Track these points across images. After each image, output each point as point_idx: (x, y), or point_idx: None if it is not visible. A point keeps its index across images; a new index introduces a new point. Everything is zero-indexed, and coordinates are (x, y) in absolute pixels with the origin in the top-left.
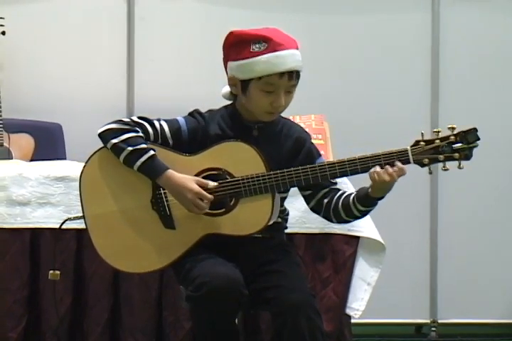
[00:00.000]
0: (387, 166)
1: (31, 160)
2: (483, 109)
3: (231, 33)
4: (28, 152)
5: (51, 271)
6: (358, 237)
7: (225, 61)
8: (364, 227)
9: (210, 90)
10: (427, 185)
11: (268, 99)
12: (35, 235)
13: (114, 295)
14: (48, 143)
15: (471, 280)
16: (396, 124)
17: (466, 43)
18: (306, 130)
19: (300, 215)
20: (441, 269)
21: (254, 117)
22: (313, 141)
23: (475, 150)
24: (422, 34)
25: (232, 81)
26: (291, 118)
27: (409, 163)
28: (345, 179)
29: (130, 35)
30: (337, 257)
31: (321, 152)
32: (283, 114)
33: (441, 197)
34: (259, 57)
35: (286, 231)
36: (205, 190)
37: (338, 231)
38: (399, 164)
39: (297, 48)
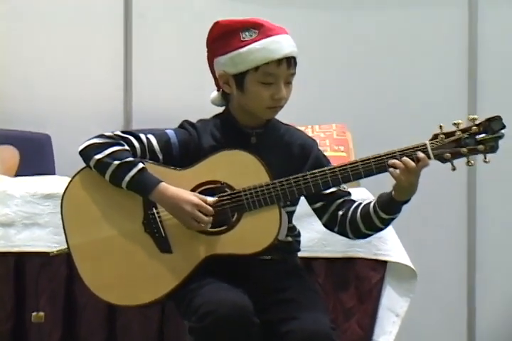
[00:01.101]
0: (405, 159)
1: (16, 175)
2: None
3: (216, 24)
4: (12, 166)
5: (34, 313)
6: (385, 262)
7: (211, 58)
8: (392, 251)
9: (205, 96)
10: (463, 201)
11: (268, 92)
12: (21, 260)
13: (110, 328)
14: (35, 156)
15: None
16: (428, 134)
17: (508, 41)
18: (326, 141)
19: (319, 237)
20: (480, 299)
21: (252, 121)
22: (334, 153)
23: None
24: (457, 31)
25: (223, 78)
26: (309, 127)
27: (429, 158)
28: (364, 188)
29: (127, 35)
30: (362, 285)
31: None
32: (299, 123)
33: (479, 215)
34: (252, 45)
35: (304, 255)
36: None
37: (363, 256)
38: (419, 154)
39: (287, 34)
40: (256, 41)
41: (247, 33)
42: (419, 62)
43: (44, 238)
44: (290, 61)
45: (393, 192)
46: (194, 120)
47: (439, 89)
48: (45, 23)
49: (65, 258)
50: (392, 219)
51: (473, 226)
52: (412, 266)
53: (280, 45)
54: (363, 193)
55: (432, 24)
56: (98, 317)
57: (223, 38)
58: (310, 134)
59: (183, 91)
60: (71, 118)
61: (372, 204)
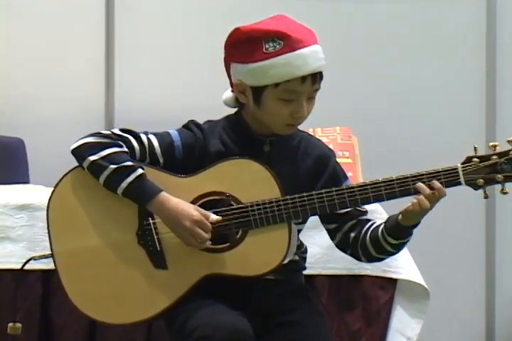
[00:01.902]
0: (433, 182)
1: None
2: None
3: (237, 30)
4: None
5: (11, 324)
6: (395, 280)
7: (228, 61)
8: (403, 268)
9: (210, 96)
10: (482, 214)
11: (288, 109)
12: None
13: None
14: (7, 162)
15: None
16: (442, 138)
17: None
18: (330, 146)
19: (323, 252)
20: (500, 320)
21: (266, 129)
22: (339, 159)
23: None
24: (474, 28)
25: (239, 87)
26: (310, 131)
27: (459, 184)
28: (378, 207)
29: (109, 28)
30: (369, 305)
31: (349, 173)
32: (300, 126)
33: (499, 229)
34: (276, 59)
35: (305, 272)
36: None
37: (371, 273)
38: (436, 183)
39: (317, 42)
40: (280, 55)
41: (271, 44)
42: (433, 61)
43: (17, 254)
44: (316, 76)
45: (400, 217)
46: (183, 121)
47: (454, 90)
48: (17, 16)
49: (39, 276)
50: (403, 243)
51: (491, 240)
52: (425, 285)
53: (307, 60)
54: (374, 208)
55: (447, 22)
56: (77, 340)
57: (244, 45)
58: None
59: (170, 90)
60: (46, 120)
61: (380, 229)
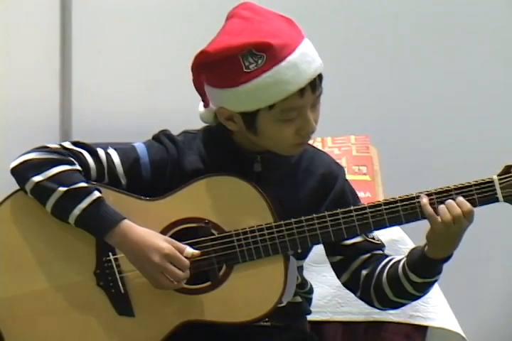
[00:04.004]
0: (444, 205)
1: None
2: None
3: (203, 53)
4: None
5: None
6: (425, 328)
7: (199, 84)
8: (435, 312)
9: (183, 100)
10: None
11: (292, 129)
12: None
13: None
14: None
15: None
16: (477, 149)
17: None
18: (342, 160)
19: (333, 293)
20: None
21: (257, 144)
22: (353, 176)
23: None
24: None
25: (225, 114)
26: (318, 140)
27: (496, 201)
28: (404, 235)
29: (65, 17)
30: None
31: (366, 194)
32: None
33: None
34: (262, 78)
35: (313, 318)
36: None
37: (395, 319)
38: (460, 199)
39: (303, 36)
40: (265, 71)
41: (250, 60)
42: (462, 56)
43: None
44: (315, 83)
45: (426, 248)
46: (154, 127)
47: (490, 94)
48: None
49: None
50: (430, 283)
51: None
52: (462, 333)
53: (299, 70)
54: (392, 231)
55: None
56: None
57: (218, 68)
58: None
59: (138, 92)
60: None
61: (401, 264)
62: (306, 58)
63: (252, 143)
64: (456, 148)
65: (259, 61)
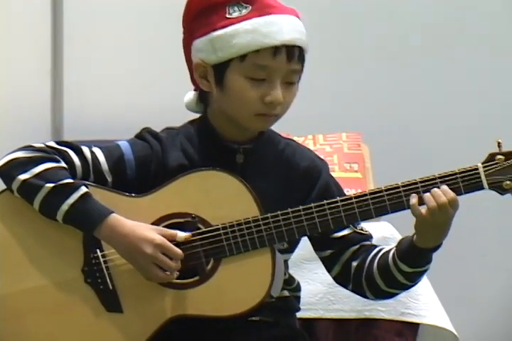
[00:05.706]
0: (429, 194)
1: None
2: None
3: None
4: None
5: None
6: (416, 325)
7: (188, 43)
8: (426, 309)
9: (173, 98)
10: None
11: (257, 92)
12: None
13: None
14: None
15: None
16: (470, 148)
17: None
18: (334, 157)
19: (325, 291)
20: None
21: (238, 133)
22: (344, 174)
23: None
24: None
25: (199, 70)
26: (309, 138)
27: (482, 188)
28: (395, 232)
29: (56, 14)
30: None
31: (358, 191)
32: (295, 132)
33: None
34: (240, 24)
35: (304, 315)
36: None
37: (386, 316)
38: (444, 187)
39: (297, 16)
40: (246, 19)
41: (236, 8)
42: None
43: None
44: (292, 52)
45: (415, 237)
46: (142, 126)
47: (473, 89)
48: None
49: None
50: (420, 273)
51: None
52: (454, 331)
53: (279, 27)
54: (384, 229)
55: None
56: None
57: (203, 14)
58: (311, 148)
59: (127, 90)
60: None
61: (391, 254)
62: (290, 24)
63: (232, 131)
64: (448, 146)
65: (243, 11)
